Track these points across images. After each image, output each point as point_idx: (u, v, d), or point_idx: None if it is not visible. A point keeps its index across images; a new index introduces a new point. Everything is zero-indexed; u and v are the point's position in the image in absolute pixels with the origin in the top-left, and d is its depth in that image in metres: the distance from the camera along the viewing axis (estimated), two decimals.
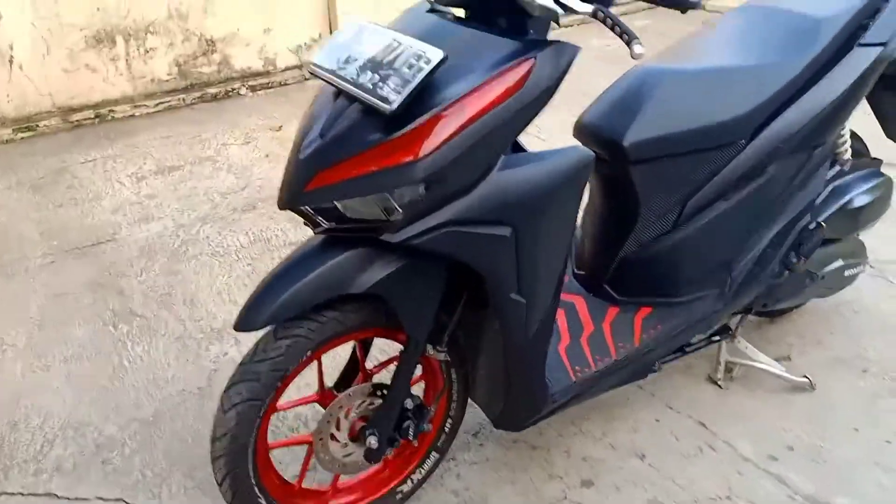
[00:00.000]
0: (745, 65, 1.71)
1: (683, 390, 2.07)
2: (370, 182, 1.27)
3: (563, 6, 1.23)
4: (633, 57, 1.21)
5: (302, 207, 1.36)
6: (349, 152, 1.28)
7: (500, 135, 1.28)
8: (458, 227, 1.32)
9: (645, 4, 1.38)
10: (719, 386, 2.07)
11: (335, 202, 1.32)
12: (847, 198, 1.92)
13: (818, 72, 1.73)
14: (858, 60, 1.75)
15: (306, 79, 4.72)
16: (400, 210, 1.29)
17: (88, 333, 2.45)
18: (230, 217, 3.15)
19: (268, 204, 3.24)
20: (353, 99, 1.32)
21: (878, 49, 1.77)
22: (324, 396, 1.59)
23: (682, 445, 1.89)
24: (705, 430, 1.93)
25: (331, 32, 4.81)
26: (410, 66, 1.25)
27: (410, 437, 1.59)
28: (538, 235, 1.39)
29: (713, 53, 1.80)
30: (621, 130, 1.62)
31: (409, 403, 1.58)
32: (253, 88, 4.64)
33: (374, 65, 1.30)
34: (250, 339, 2.35)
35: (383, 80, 1.27)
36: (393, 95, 1.23)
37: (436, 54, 1.23)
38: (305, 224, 1.44)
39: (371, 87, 1.27)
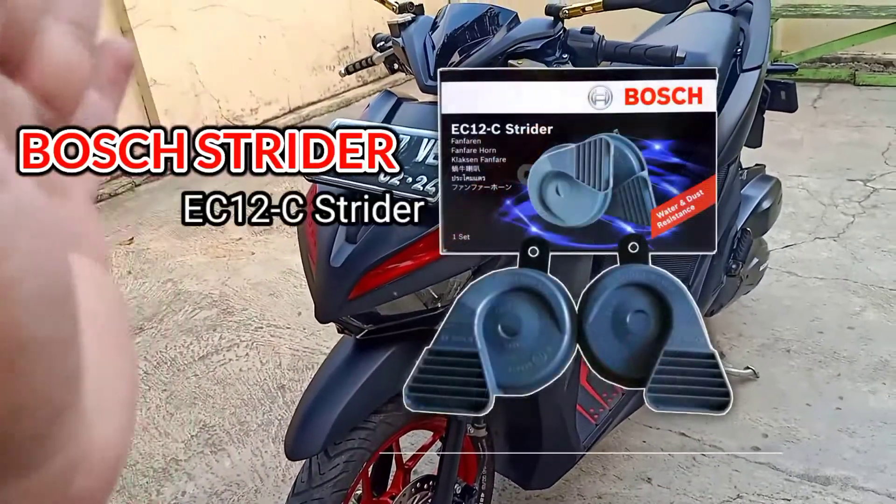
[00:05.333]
0: None
1: None
2: (426, 274, 1.26)
3: None
4: None
5: (345, 317, 1.32)
6: (391, 250, 1.27)
7: None
8: None
9: None
10: None
11: (383, 303, 1.29)
12: (756, 202, 2.17)
13: (721, 99, 1.95)
14: (747, 84, 2.00)
15: (136, 185, 4.46)
16: (454, 296, 1.29)
17: None
18: None
19: (154, 322, 3.02)
20: (374, 199, 1.31)
21: (757, 71, 2.03)
22: None
23: (677, 459, 2.01)
24: (689, 439, 2.07)
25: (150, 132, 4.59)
26: (437, 157, 1.27)
27: None
28: (569, 286, 1.45)
29: None
30: None
31: (456, 488, 1.56)
32: None
33: None
34: (203, 471, 2.20)
35: (411, 174, 1.27)
36: (431, 188, 1.24)
37: None
38: (340, 332, 1.40)
39: (399, 184, 1.27)
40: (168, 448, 2.31)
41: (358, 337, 1.37)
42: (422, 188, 1.25)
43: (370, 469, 1.50)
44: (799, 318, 2.52)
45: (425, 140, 1.30)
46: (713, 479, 1.92)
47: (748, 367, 2.25)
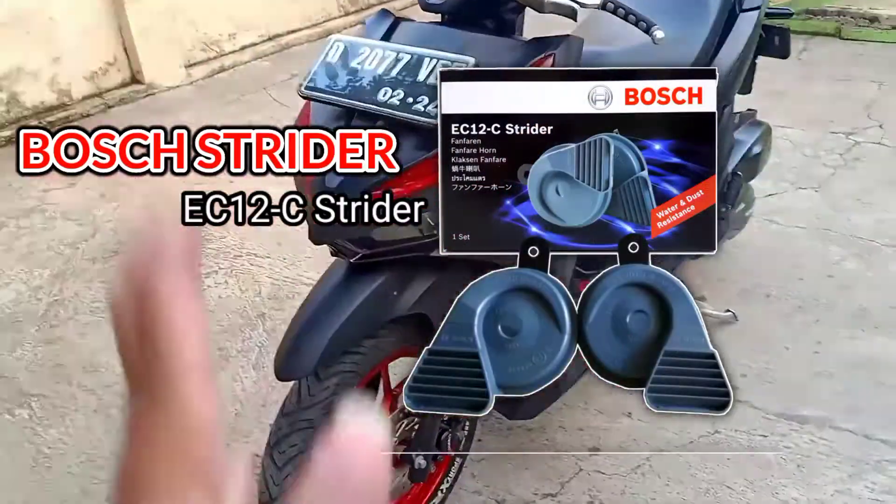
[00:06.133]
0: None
1: None
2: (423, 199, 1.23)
3: (576, 1, 1.27)
4: (655, 42, 1.28)
5: (339, 240, 1.29)
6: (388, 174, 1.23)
7: None
8: None
9: None
10: None
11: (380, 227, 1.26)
12: (747, 146, 2.17)
13: (719, 38, 1.92)
14: (745, 25, 1.97)
15: (109, 107, 4.32)
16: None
17: None
18: (92, 268, 2.83)
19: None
20: (372, 119, 1.27)
21: (757, 12, 2.00)
22: None
23: None
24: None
25: (126, 53, 4.44)
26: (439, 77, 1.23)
27: (449, 448, 1.57)
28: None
29: (625, 29, 1.92)
30: None
31: (443, 416, 1.56)
32: (52, 124, 4.16)
33: (392, 81, 1.26)
34: None
35: (412, 94, 1.24)
36: (433, 109, 1.21)
37: (467, 61, 1.22)
38: (334, 255, 1.37)
39: (399, 103, 1.24)
40: None
41: (352, 261, 1.35)
42: (422, 109, 1.22)
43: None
44: (779, 266, 2.54)
45: (427, 59, 1.26)
46: (691, 415, 1.95)
47: (728, 310, 2.28)
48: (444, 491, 1.70)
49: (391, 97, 1.25)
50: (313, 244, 1.31)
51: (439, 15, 1.43)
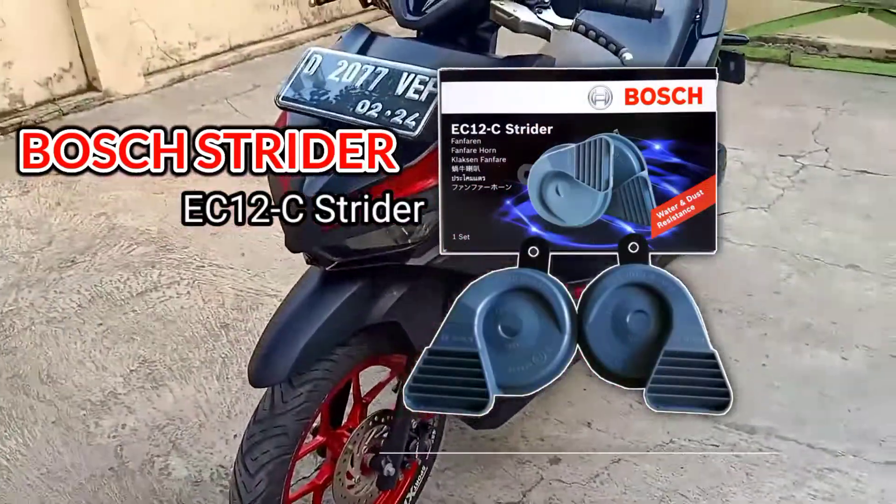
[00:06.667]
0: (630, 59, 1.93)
1: None
2: None
3: (549, 22, 1.32)
4: (623, 64, 1.34)
5: (317, 249, 1.32)
6: (367, 183, 1.26)
7: None
8: None
9: None
10: None
11: (356, 236, 1.29)
12: None
13: (679, 62, 2.01)
14: (705, 50, 2.06)
15: (64, 114, 4.26)
16: (424, 234, 1.30)
17: None
18: (49, 278, 2.79)
19: (87, 255, 2.92)
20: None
21: (715, 38, 2.10)
22: (331, 436, 1.54)
23: (616, 406, 2.09)
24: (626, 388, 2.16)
25: (82, 59, 4.38)
26: (419, 92, 1.27)
27: (416, 456, 1.61)
28: None
29: (590, 51, 1.99)
30: None
31: (412, 423, 1.59)
32: (3, 131, 4.08)
33: (369, 94, 1.29)
34: (144, 405, 2.17)
35: (390, 108, 1.27)
36: (412, 122, 1.24)
37: None
38: (309, 263, 1.40)
39: (377, 116, 1.27)
40: (106, 382, 2.26)
41: (327, 269, 1.38)
42: (401, 122, 1.25)
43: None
44: (730, 282, 2.64)
45: (405, 74, 1.30)
46: (648, 425, 2.02)
47: None
48: (411, 500, 1.73)
49: (370, 109, 1.28)
50: (290, 252, 1.34)
51: (415, 31, 1.47)
